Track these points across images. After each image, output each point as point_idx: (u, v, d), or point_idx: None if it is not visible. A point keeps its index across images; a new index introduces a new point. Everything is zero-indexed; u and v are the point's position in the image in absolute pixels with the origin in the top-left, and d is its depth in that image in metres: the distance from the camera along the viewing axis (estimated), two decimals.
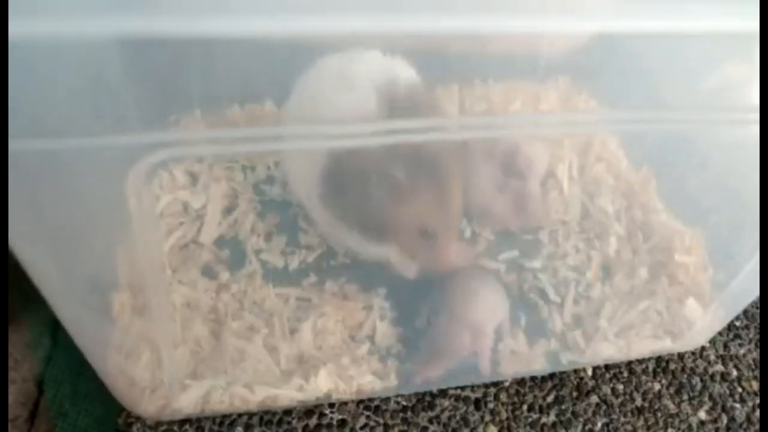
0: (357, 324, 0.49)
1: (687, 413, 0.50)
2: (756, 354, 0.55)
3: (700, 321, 0.51)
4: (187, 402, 0.43)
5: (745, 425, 0.51)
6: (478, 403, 0.49)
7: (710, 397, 0.52)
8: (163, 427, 0.45)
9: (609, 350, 0.50)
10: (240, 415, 0.46)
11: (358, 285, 0.50)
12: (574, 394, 0.50)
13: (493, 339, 0.47)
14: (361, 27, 0.23)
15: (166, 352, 0.41)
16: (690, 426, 0.50)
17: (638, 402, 0.50)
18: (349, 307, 0.49)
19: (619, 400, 0.50)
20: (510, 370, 0.49)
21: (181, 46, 0.22)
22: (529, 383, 0.50)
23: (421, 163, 0.41)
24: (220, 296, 0.48)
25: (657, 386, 0.52)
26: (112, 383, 0.41)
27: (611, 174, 0.60)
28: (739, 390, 0.53)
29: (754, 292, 0.48)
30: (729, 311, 0.52)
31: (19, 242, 0.28)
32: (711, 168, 0.53)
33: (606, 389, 0.51)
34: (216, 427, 0.45)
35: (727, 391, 0.52)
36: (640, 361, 0.53)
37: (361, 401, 0.47)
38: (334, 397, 0.46)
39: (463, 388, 0.49)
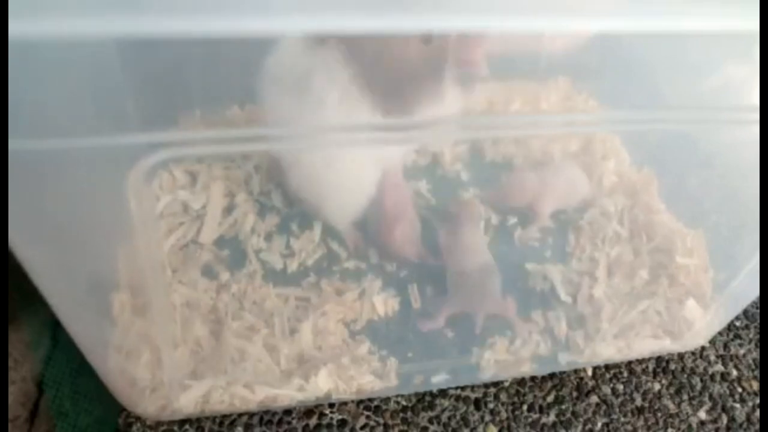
0: (355, 315, 0.49)
1: (687, 413, 0.50)
2: (756, 354, 0.55)
3: (700, 321, 0.51)
4: (187, 402, 0.43)
5: (745, 425, 0.51)
6: (478, 403, 0.49)
7: (710, 397, 0.52)
8: (163, 427, 0.45)
9: (609, 350, 0.50)
10: (240, 415, 0.46)
11: (351, 280, 0.51)
12: (574, 394, 0.50)
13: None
14: (361, 27, 0.23)
15: (166, 352, 0.41)
16: (690, 426, 0.50)
17: (638, 402, 0.50)
18: (346, 300, 0.49)
19: (619, 400, 0.50)
20: (509, 370, 0.49)
21: (181, 46, 0.22)
22: (529, 383, 0.50)
23: None
24: (220, 296, 0.48)
25: (657, 386, 0.52)
26: (112, 383, 0.41)
27: (615, 174, 0.60)
28: (739, 390, 0.53)
29: (754, 292, 0.48)
30: (729, 311, 0.52)
31: (19, 242, 0.28)
32: (711, 168, 0.53)
33: (606, 389, 0.51)
34: (216, 427, 0.45)
35: (727, 391, 0.52)
36: (640, 361, 0.53)
37: (361, 401, 0.47)
38: (334, 397, 0.46)
39: (463, 388, 0.49)
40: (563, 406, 0.49)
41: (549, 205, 0.56)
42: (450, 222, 0.52)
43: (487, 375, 0.49)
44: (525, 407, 0.49)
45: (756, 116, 0.33)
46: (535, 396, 0.49)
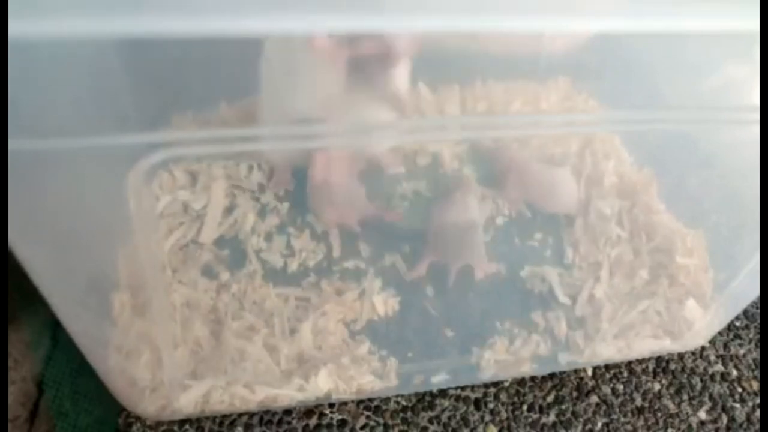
0: (355, 315, 0.49)
1: (687, 413, 0.50)
2: (756, 354, 0.55)
3: (700, 321, 0.51)
4: (187, 402, 0.43)
5: (745, 425, 0.51)
6: (478, 403, 0.49)
7: (710, 397, 0.52)
8: (163, 427, 0.45)
9: (609, 350, 0.50)
10: (240, 415, 0.46)
11: (351, 280, 0.51)
12: (574, 394, 0.50)
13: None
14: (361, 27, 0.23)
15: (166, 352, 0.41)
16: (690, 426, 0.50)
17: (638, 402, 0.50)
18: (346, 300, 0.49)
19: (619, 400, 0.50)
20: (509, 370, 0.49)
21: (181, 45, 0.22)
22: (529, 383, 0.50)
23: None
24: (220, 296, 0.48)
25: (657, 386, 0.52)
26: (112, 383, 0.41)
27: (615, 174, 0.60)
28: (739, 390, 0.53)
29: (754, 292, 0.48)
30: (729, 311, 0.52)
31: (19, 242, 0.28)
32: (711, 168, 0.53)
33: (606, 389, 0.51)
34: (216, 427, 0.45)
35: (727, 391, 0.52)
36: (640, 361, 0.53)
37: (361, 401, 0.47)
38: (334, 397, 0.46)
39: (463, 388, 0.49)
40: (563, 406, 0.49)
41: (518, 189, 0.57)
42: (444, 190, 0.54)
43: (487, 375, 0.49)
44: (525, 407, 0.49)
45: (756, 116, 0.33)
46: (535, 396, 0.49)
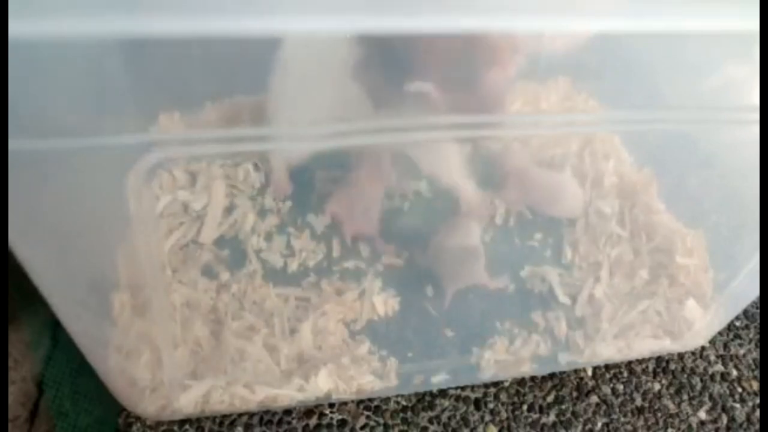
0: (355, 315, 0.49)
1: (687, 413, 0.50)
2: (756, 354, 0.55)
3: (700, 321, 0.51)
4: (187, 402, 0.43)
5: (745, 425, 0.51)
6: (478, 403, 0.49)
7: (710, 397, 0.52)
8: (163, 427, 0.45)
9: (609, 350, 0.50)
10: (240, 415, 0.46)
11: (351, 280, 0.51)
12: (574, 394, 0.50)
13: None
14: (360, 27, 0.23)
15: (166, 352, 0.41)
16: (690, 426, 0.50)
17: (638, 402, 0.50)
18: (346, 300, 0.49)
19: (619, 400, 0.50)
20: (509, 370, 0.49)
21: (182, 45, 0.22)
22: (529, 383, 0.50)
23: None
24: (220, 296, 0.48)
25: (657, 386, 0.52)
26: (112, 383, 0.41)
27: (615, 174, 0.60)
28: (739, 390, 0.53)
29: (754, 292, 0.48)
30: (729, 311, 0.52)
31: (19, 242, 0.28)
32: (711, 168, 0.53)
33: (606, 389, 0.51)
34: (216, 427, 0.45)
35: (727, 391, 0.52)
36: (640, 361, 0.53)
37: (361, 401, 0.47)
38: (334, 397, 0.46)
39: (463, 388, 0.49)
40: (563, 406, 0.49)
41: (519, 193, 0.57)
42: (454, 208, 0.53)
43: (487, 375, 0.49)
44: (525, 407, 0.49)
45: (756, 116, 0.33)
46: (535, 396, 0.50)
